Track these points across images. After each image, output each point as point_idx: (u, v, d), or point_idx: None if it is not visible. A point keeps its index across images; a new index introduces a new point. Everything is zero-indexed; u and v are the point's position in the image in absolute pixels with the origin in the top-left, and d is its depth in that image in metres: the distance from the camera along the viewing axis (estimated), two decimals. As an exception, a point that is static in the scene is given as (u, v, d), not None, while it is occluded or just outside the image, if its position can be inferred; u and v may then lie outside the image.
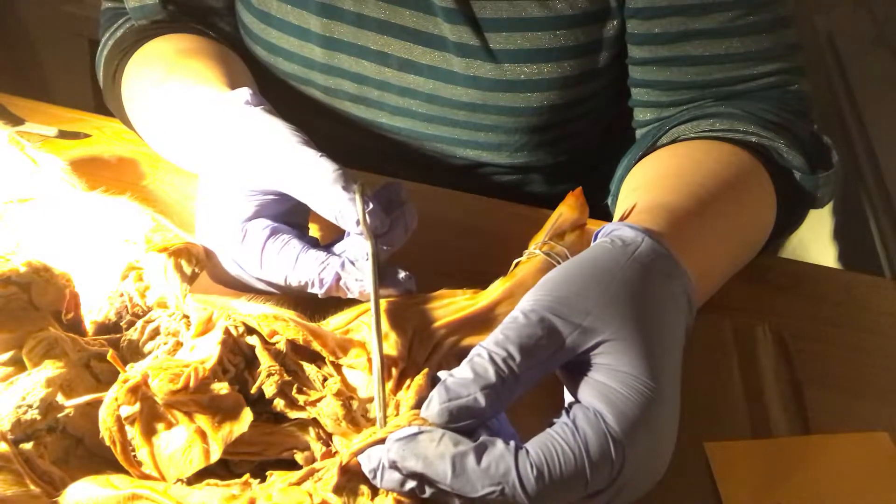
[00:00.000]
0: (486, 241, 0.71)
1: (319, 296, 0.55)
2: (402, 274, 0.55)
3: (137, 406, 0.47)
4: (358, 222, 0.53)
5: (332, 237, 0.59)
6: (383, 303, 0.54)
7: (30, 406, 0.47)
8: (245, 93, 0.60)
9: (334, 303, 0.55)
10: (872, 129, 1.23)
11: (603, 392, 0.45)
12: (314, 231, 0.64)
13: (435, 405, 0.43)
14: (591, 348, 0.46)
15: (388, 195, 0.57)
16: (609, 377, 0.45)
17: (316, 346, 0.51)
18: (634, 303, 0.47)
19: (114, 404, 0.47)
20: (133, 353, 0.53)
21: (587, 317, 0.46)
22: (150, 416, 0.48)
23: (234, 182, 0.57)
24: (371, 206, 0.53)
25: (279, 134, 0.56)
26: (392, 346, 0.52)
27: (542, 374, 0.46)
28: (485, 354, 0.44)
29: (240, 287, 0.59)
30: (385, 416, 0.47)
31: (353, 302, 0.55)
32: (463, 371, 0.44)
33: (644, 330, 0.47)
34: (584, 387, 0.46)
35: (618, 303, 0.47)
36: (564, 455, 0.42)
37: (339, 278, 0.54)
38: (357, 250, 0.55)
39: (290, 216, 0.58)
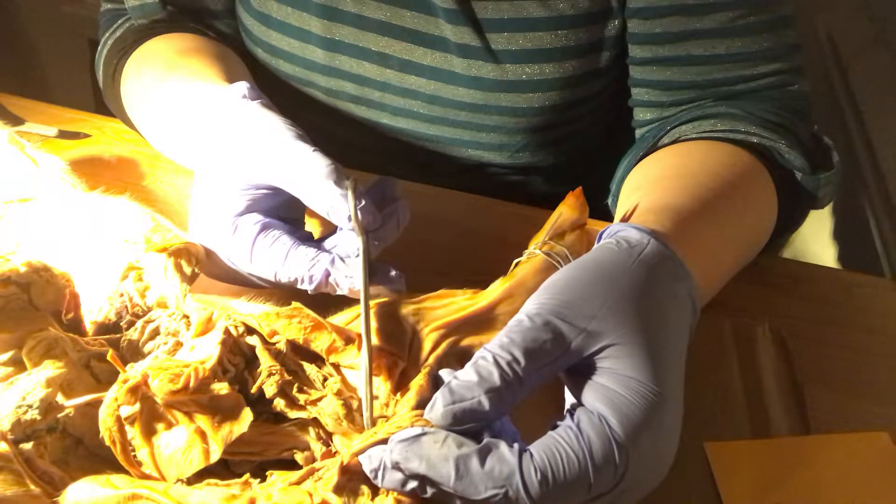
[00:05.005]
0: (486, 241, 0.70)
1: (309, 292, 0.55)
2: (392, 272, 0.55)
3: (137, 406, 0.47)
4: (349, 218, 0.52)
5: (328, 231, 0.58)
6: (376, 303, 0.54)
7: (30, 406, 0.47)
8: (243, 87, 0.59)
9: (335, 302, 0.55)
10: (872, 129, 1.23)
11: (607, 396, 0.44)
12: (313, 225, 0.63)
13: (439, 407, 0.43)
14: (596, 352, 0.46)
15: (381, 191, 0.57)
16: (613, 381, 0.45)
17: (315, 346, 0.51)
18: (639, 306, 0.47)
19: (114, 404, 0.47)
20: (133, 353, 0.53)
21: (592, 321, 0.46)
22: (150, 416, 0.48)
23: (228, 176, 0.56)
24: (363, 202, 0.53)
25: (274, 127, 0.56)
26: (392, 345, 0.52)
27: (546, 378, 0.46)
28: (489, 357, 0.44)
29: (233, 282, 0.59)
30: (372, 417, 0.47)
31: (354, 301, 0.55)
32: (467, 374, 0.44)
33: (649, 334, 0.46)
34: (589, 390, 0.45)
35: (623, 306, 0.47)
36: (568, 458, 0.42)
37: (328, 275, 0.54)
38: (348, 246, 0.55)
39: (284, 211, 0.58)
